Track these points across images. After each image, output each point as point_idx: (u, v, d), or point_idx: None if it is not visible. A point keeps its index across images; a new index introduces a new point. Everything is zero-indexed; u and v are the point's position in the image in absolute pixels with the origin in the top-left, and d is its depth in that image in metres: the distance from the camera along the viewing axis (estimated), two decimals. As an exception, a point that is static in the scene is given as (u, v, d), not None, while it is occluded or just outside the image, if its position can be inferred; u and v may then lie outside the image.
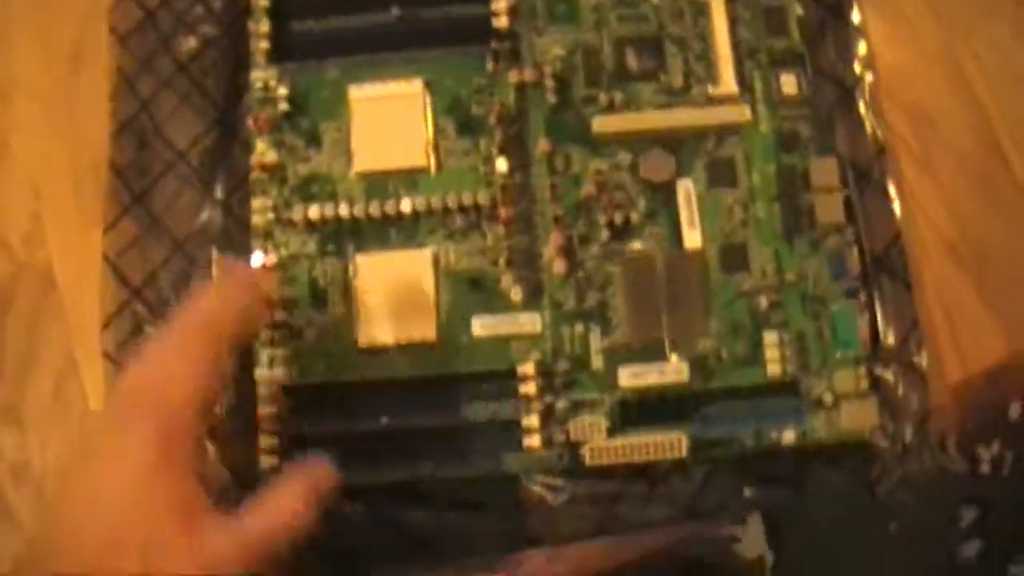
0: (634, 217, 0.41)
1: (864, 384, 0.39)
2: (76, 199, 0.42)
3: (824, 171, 0.41)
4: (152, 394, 0.31)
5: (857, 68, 0.42)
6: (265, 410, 0.39)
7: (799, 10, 0.42)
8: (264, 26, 0.42)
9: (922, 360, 0.40)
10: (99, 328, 0.40)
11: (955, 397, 0.41)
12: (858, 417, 0.39)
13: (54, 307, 0.41)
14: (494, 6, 0.42)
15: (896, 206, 0.41)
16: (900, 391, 0.40)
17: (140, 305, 0.40)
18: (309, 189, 0.41)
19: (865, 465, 0.39)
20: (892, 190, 0.41)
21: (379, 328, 0.40)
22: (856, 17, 0.43)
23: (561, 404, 0.39)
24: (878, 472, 0.39)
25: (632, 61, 0.42)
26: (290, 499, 0.32)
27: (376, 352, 0.40)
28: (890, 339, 0.40)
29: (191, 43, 0.42)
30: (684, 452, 0.39)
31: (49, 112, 0.43)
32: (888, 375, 0.40)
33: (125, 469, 0.30)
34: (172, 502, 0.29)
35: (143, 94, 0.42)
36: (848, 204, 0.41)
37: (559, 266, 0.40)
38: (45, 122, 0.43)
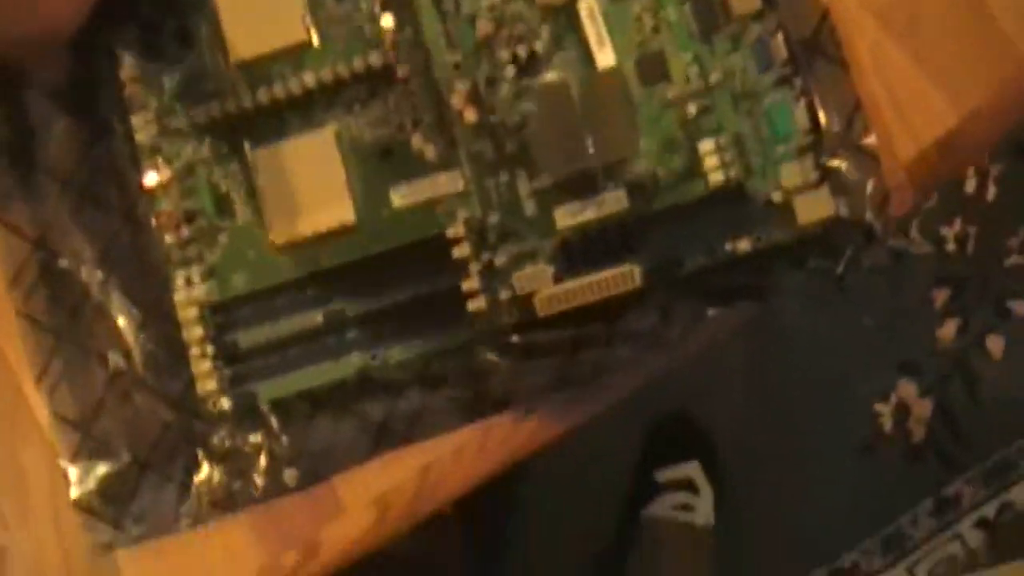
0: (539, 47, 0.38)
1: (813, 175, 0.37)
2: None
3: (731, -43, 0.38)
4: None
5: None
6: (192, 334, 0.37)
7: None
8: (101, -76, 0.38)
9: (871, 140, 0.37)
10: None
11: (910, 176, 0.38)
12: (813, 209, 0.36)
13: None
14: None
15: (817, -19, 0.38)
16: (853, 177, 0.37)
17: (42, 252, 0.38)
18: (190, 91, 0.38)
19: (829, 260, 0.37)
20: (808, -37, 0.38)
21: (293, 222, 0.37)
22: None
23: (500, 260, 0.37)
24: (844, 265, 0.37)
25: None
26: None
27: (296, 248, 0.38)
28: (834, 125, 0.37)
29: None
30: (638, 281, 0.36)
31: None
32: (837, 162, 0.37)
33: None
34: None
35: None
36: (764, -11, 0.38)
37: (470, 115, 0.37)
38: None
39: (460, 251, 0.37)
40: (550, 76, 0.38)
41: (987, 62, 0.38)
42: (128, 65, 0.38)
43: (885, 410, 0.41)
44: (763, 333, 0.39)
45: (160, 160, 0.38)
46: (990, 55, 0.38)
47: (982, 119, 0.38)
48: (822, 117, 0.37)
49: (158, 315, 0.38)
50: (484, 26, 0.38)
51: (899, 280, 0.38)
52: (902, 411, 0.41)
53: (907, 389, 0.40)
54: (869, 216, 0.37)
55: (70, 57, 0.38)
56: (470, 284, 0.37)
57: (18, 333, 0.38)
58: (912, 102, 0.38)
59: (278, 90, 0.37)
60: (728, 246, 0.37)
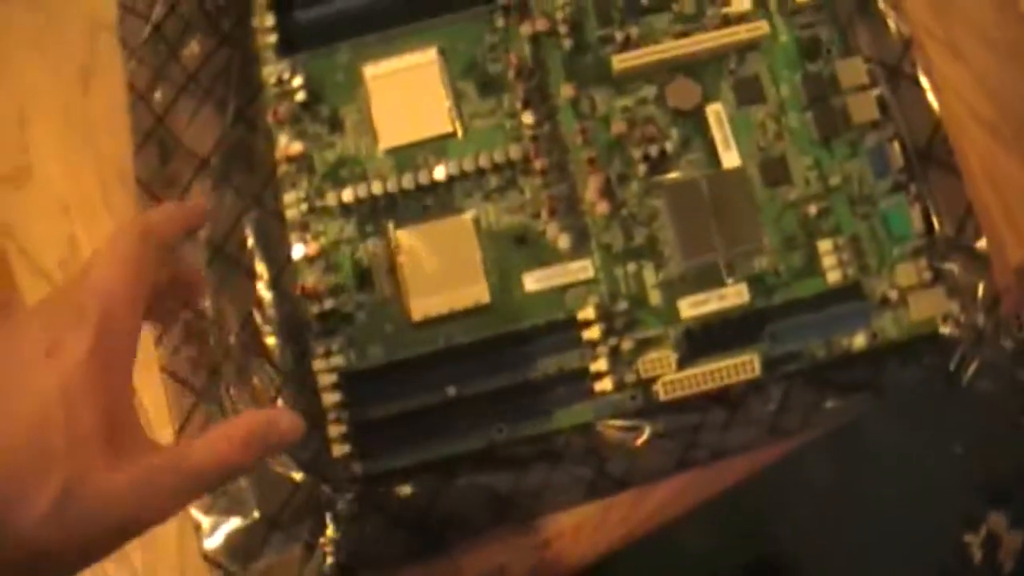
0: (668, 147, 0.40)
1: (927, 275, 0.39)
2: (108, 213, 0.42)
3: (851, 71, 0.40)
4: (87, 289, 0.27)
5: (869, -35, 0.42)
6: (329, 399, 0.39)
7: (802, -82, 0.42)
8: (268, 21, 0.42)
9: (983, 244, 0.39)
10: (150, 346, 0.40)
11: (1019, 279, 0.40)
12: (927, 307, 0.38)
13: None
14: (495, -38, 0.41)
15: (931, 96, 0.40)
16: (965, 278, 0.39)
17: (189, 313, 0.40)
18: (339, 174, 0.41)
19: (942, 358, 0.39)
20: (925, 81, 0.40)
21: (431, 300, 0.40)
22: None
23: (626, 345, 0.39)
24: (957, 363, 0.38)
25: (641, -6, 0.42)
26: (227, 441, 0.28)
27: (431, 324, 0.40)
28: (946, 229, 0.39)
29: (194, 48, 0.42)
30: (758, 371, 0.38)
31: (67, 131, 0.43)
32: (950, 265, 0.39)
33: (53, 373, 0.25)
34: (102, 418, 0.25)
35: (158, 106, 0.41)
36: (882, 102, 0.40)
37: (602, 207, 0.40)
38: (64, 141, 0.43)
39: (590, 334, 0.39)
40: (678, 174, 0.40)
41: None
42: (284, 146, 0.41)
43: (975, 540, 0.41)
44: (851, 453, 0.40)
45: (308, 236, 0.41)
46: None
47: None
48: (935, 221, 0.39)
49: (295, 380, 0.40)
50: (618, 126, 0.40)
51: (992, 407, 0.39)
52: (992, 542, 0.41)
53: (997, 520, 0.41)
54: (980, 317, 0.38)
55: (232, 131, 0.42)
56: (598, 366, 0.38)
57: (161, 388, 0.40)
58: (1021, 208, 0.40)
59: (422, 176, 0.40)
60: (845, 341, 0.39)
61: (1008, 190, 0.40)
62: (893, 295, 0.39)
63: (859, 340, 0.39)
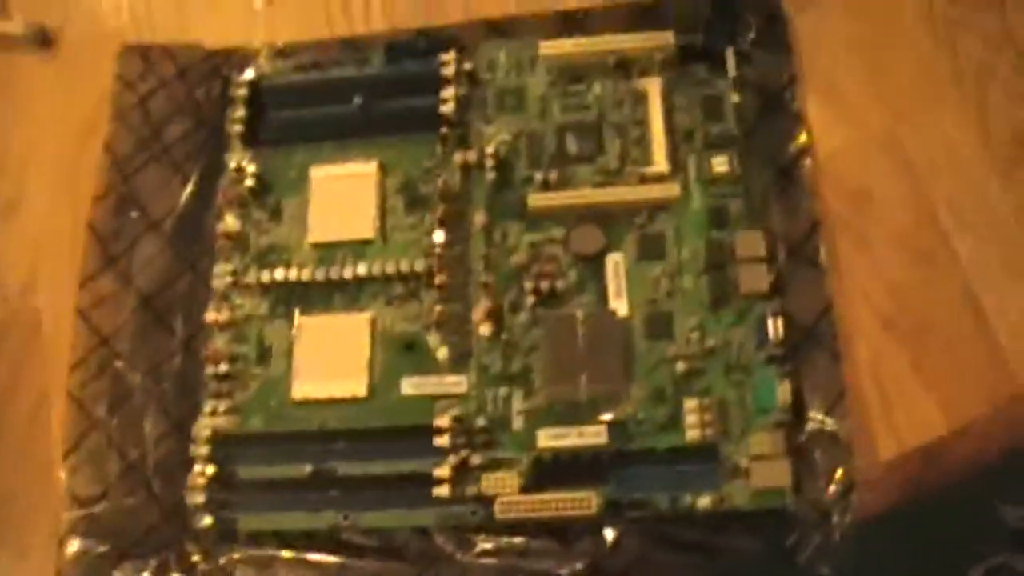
0: (561, 286, 0.42)
1: (780, 447, 0.39)
2: (70, 256, 0.47)
3: (749, 243, 0.41)
4: None
5: (793, 150, 0.43)
6: (198, 451, 0.42)
7: (735, 97, 0.44)
8: (240, 112, 0.47)
9: (847, 432, 0.39)
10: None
11: (889, 475, 0.39)
12: (768, 476, 0.38)
13: (38, 350, 0.47)
14: (443, 96, 0.45)
15: (828, 280, 0.41)
16: (821, 461, 0.39)
17: (106, 351, 0.44)
18: (267, 257, 0.45)
19: (784, 534, 0.38)
20: (824, 263, 0.41)
21: (313, 384, 0.42)
22: (796, 105, 0.44)
23: (477, 459, 0.40)
24: (794, 541, 0.38)
25: (572, 145, 0.45)
26: None
27: (309, 406, 0.42)
28: (815, 410, 0.39)
29: (176, 129, 0.47)
30: (594, 510, 0.39)
31: (58, 179, 0.49)
32: (811, 445, 0.39)
33: None
34: None
35: (128, 168, 0.47)
36: (778, 277, 0.41)
37: (485, 329, 0.42)
38: (52, 187, 0.49)
39: (441, 440, 0.40)
40: (563, 311, 0.42)
41: (987, 381, 0.40)
42: (227, 223, 0.45)
43: None
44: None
45: (226, 305, 0.44)
46: (991, 375, 0.40)
47: (973, 436, 0.40)
48: (806, 400, 0.40)
49: (180, 431, 0.43)
50: (518, 258, 0.43)
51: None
52: None
53: None
54: (828, 501, 0.38)
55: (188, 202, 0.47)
56: (441, 472, 0.40)
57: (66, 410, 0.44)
58: (902, 405, 0.40)
59: (334, 272, 0.44)
60: (690, 499, 0.39)
61: (891, 386, 0.40)
62: (744, 463, 0.39)
63: (704, 501, 0.39)
